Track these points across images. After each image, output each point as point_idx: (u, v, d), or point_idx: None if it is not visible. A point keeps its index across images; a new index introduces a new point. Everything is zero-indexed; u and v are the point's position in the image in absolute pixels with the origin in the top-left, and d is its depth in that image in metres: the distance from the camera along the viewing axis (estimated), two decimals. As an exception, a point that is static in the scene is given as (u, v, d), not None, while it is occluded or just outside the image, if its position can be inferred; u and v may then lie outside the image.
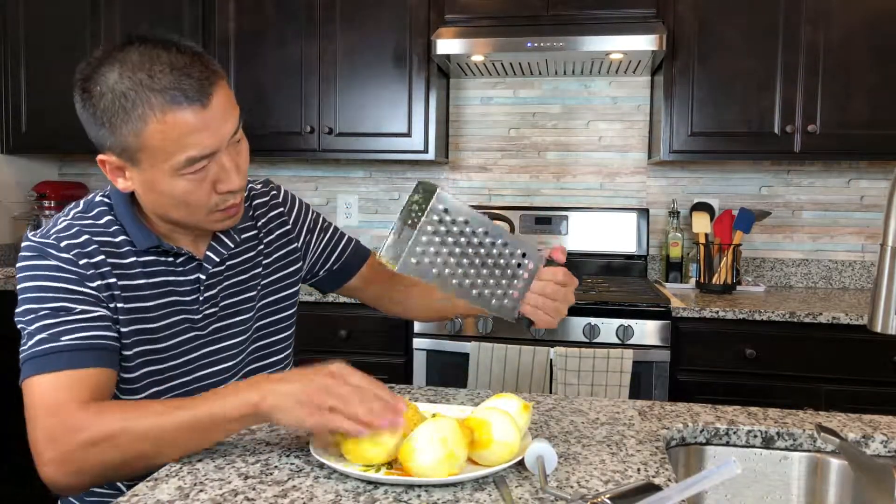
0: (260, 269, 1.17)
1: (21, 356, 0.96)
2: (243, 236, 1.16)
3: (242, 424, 0.90)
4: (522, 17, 2.55)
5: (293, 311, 1.25)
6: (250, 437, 1.00)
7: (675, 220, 2.80)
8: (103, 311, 0.99)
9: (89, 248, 1.00)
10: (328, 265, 1.31)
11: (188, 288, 1.08)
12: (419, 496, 0.81)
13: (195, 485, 0.84)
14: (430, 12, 2.63)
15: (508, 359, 2.20)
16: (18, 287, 0.99)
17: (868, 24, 2.41)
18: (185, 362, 1.09)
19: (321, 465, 0.90)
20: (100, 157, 1.00)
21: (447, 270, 0.92)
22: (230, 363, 1.13)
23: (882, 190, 2.77)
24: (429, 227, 0.90)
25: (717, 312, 2.23)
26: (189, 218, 1.01)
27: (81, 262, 0.99)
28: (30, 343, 0.95)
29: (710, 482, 0.66)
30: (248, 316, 1.15)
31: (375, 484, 0.84)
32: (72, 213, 1.05)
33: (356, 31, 2.68)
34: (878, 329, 0.86)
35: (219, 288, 1.11)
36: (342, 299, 2.39)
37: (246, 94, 2.73)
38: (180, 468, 0.89)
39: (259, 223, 1.19)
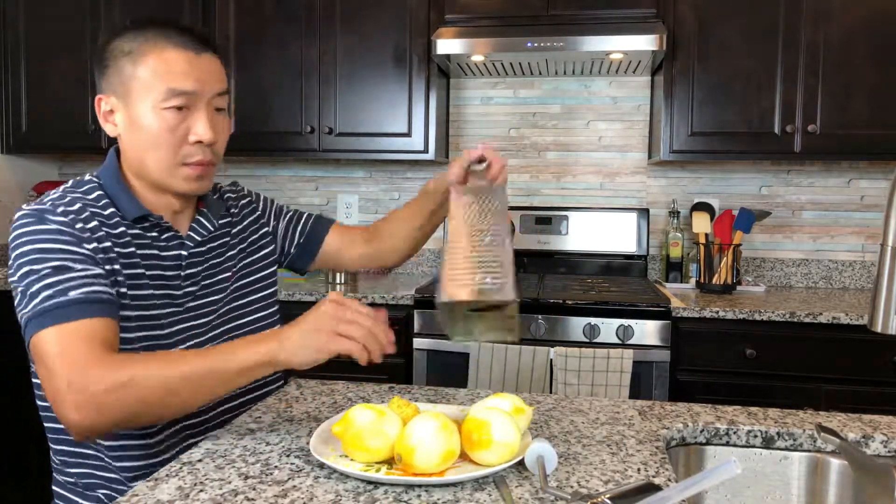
0: (235, 252, 1.25)
1: (25, 314, 0.98)
2: (220, 222, 1.23)
3: (257, 373, 0.95)
4: (522, 17, 2.55)
5: (272, 290, 1.31)
6: (250, 437, 1.00)
7: (676, 220, 2.80)
8: (101, 270, 1.02)
9: (84, 215, 1.05)
10: (295, 240, 1.38)
11: (171, 263, 1.13)
12: (419, 496, 0.81)
13: (195, 485, 0.84)
14: (430, 12, 2.63)
15: (508, 359, 2.20)
16: (15, 252, 1.01)
17: (868, 24, 2.41)
18: (169, 334, 1.12)
19: (321, 465, 0.90)
20: (98, 95, 1.11)
21: None
22: (198, 340, 1.16)
23: (882, 190, 2.77)
24: None
25: (717, 312, 2.23)
26: (160, 166, 1.08)
27: (77, 227, 1.03)
28: (34, 301, 0.97)
29: (710, 482, 0.66)
30: (221, 297, 1.20)
31: (375, 484, 0.84)
32: (62, 188, 1.10)
33: (356, 31, 2.68)
34: (878, 329, 0.86)
35: (201, 267, 1.17)
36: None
37: (246, 94, 2.73)
38: (180, 468, 0.89)
39: (232, 211, 1.28)
